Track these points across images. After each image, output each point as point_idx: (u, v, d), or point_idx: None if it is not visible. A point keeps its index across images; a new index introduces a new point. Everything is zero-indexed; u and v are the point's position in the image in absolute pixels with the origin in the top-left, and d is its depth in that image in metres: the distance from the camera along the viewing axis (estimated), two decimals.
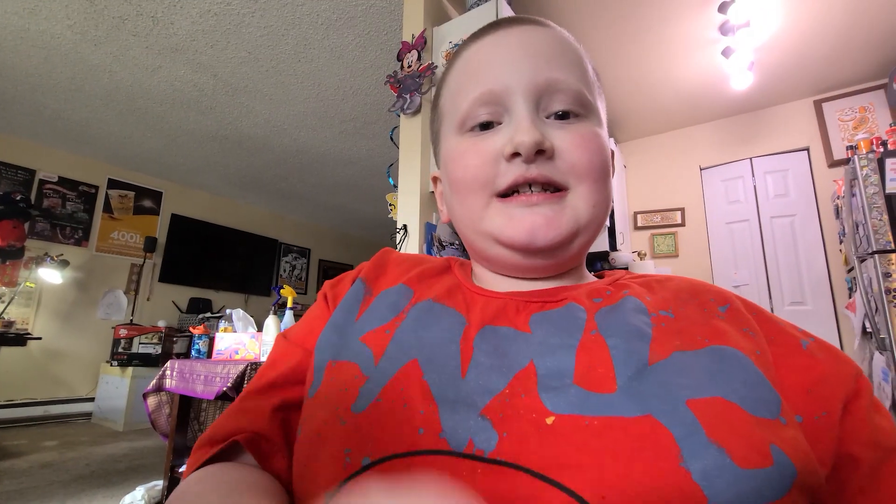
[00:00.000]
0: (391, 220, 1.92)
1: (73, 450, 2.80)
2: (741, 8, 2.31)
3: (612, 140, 3.63)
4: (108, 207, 4.30)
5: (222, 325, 2.07)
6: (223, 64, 2.78)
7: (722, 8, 2.33)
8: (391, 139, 1.92)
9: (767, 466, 0.22)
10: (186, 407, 1.81)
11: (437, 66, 1.78)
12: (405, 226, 1.74)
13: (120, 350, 3.70)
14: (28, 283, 3.65)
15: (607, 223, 2.97)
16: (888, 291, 1.96)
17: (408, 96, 1.80)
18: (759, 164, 3.39)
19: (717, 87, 3.09)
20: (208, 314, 4.22)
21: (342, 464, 0.26)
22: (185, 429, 1.81)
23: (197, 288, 4.94)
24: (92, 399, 3.89)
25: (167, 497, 1.70)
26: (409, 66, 1.83)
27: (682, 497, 0.21)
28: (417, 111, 1.80)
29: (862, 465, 0.27)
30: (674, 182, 3.70)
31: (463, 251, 1.60)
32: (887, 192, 2.05)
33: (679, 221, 3.63)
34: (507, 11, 1.72)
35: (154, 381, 1.82)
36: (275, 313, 1.81)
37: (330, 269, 6.58)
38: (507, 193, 0.35)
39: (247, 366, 1.50)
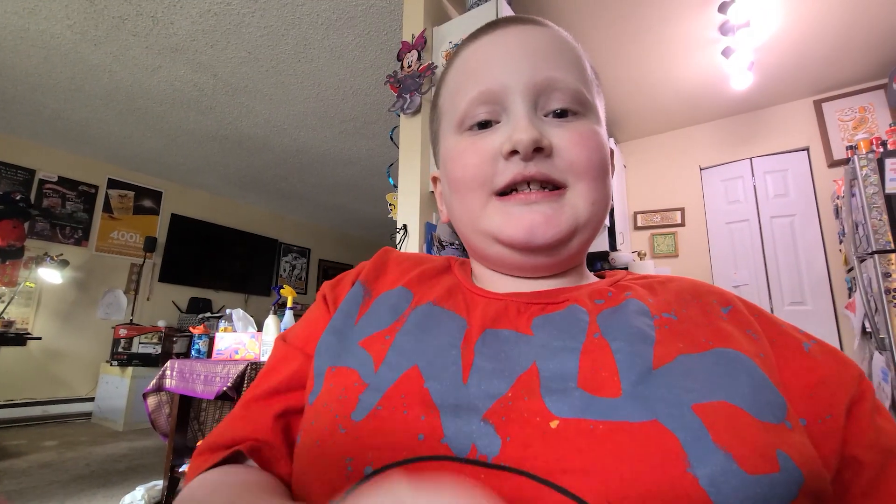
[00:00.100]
0: (391, 220, 1.92)
1: (72, 450, 2.80)
2: (741, 8, 2.31)
3: (611, 140, 3.62)
4: (107, 207, 4.30)
5: (222, 324, 2.07)
6: (223, 64, 2.78)
7: (722, 8, 2.32)
8: (391, 139, 1.92)
9: (774, 472, 0.22)
10: (186, 407, 1.81)
11: (437, 66, 1.78)
12: (405, 226, 1.74)
13: (120, 350, 3.70)
14: (28, 283, 3.65)
15: (607, 222, 2.98)
16: (888, 291, 1.96)
17: (408, 96, 1.80)
18: (759, 164, 3.39)
19: (717, 87, 3.09)
20: (208, 314, 4.22)
21: (344, 472, 0.26)
22: (185, 429, 1.81)
23: (197, 288, 4.94)
24: (92, 399, 3.89)
25: (168, 499, 1.71)
26: (409, 66, 1.83)
27: (690, 503, 0.21)
28: (417, 111, 1.80)
29: (866, 469, 0.27)
30: (674, 182, 3.70)
31: (463, 251, 1.60)
32: (887, 192, 2.05)
33: (679, 221, 3.63)
34: (507, 11, 1.72)
35: (154, 380, 1.82)
36: (275, 313, 1.81)
37: (330, 269, 6.58)
38: (505, 192, 0.35)
39: (247, 366, 1.50)
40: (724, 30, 2.49)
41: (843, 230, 2.59)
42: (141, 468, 2.44)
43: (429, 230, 1.72)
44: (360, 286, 0.40)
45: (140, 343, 3.80)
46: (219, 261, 5.16)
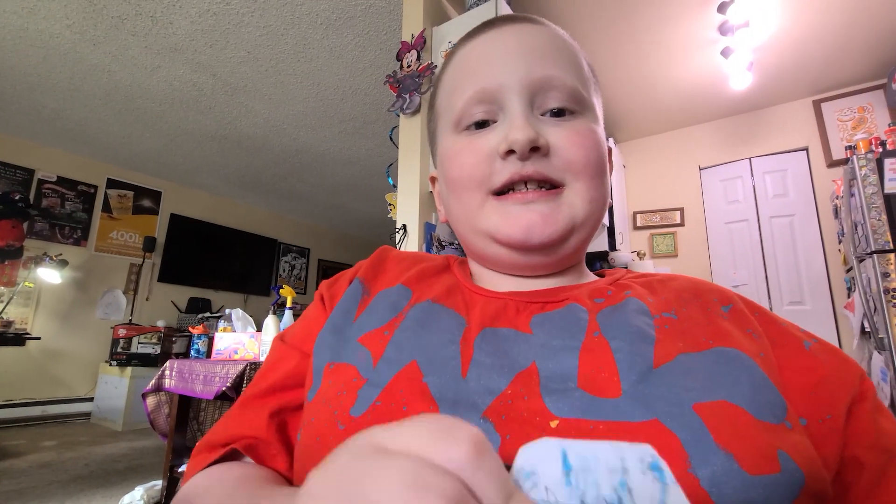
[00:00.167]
0: (390, 220, 1.92)
1: (71, 450, 2.79)
2: (740, 8, 2.32)
3: (611, 140, 3.62)
4: (107, 207, 4.29)
5: (221, 324, 2.07)
6: (222, 63, 2.78)
7: (721, 8, 2.33)
8: (390, 139, 1.92)
9: (776, 473, 0.22)
10: (185, 407, 1.81)
11: (436, 66, 1.78)
12: (404, 225, 1.74)
13: (119, 350, 3.70)
14: (27, 283, 3.65)
15: (606, 222, 2.98)
16: (887, 291, 1.96)
17: (407, 96, 1.80)
18: (759, 164, 3.39)
19: (717, 87, 3.09)
20: (207, 314, 4.22)
21: None
22: (185, 429, 1.81)
23: (196, 288, 4.93)
24: (91, 399, 3.88)
25: (167, 499, 1.70)
26: (409, 66, 1.83)
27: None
28: (417, 111, 1.80)
29: (867, 469, 0.26)
30: (673, 182, 3.71)
31: (462, 251, 1.60)
32: (886, 192, 2.05)
33: (678, 221, 3.63)
34: (506, 11, 1.72)
35: (153, 380, 1.81)
36: (274, 313, 1.81)
37: (329, 269, 6.58)
38: (502, 191, 0.35)
39: (246, 365, 1.50)
40: (723, 30, 2.49)
41: (842, 230, 2.59)
42: (140, 468, 2.44)
43: (428, 230, 1.72)
44: (359, 284, 0.40)
45: (139, 343, 3.80)
46: (218, 261, 5.16)
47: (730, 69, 2.78)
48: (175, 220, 4.79)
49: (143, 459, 2.62)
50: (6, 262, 3.50)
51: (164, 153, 4.09)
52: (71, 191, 4.07)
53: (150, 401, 1.85)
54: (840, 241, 2.82)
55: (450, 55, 0.41)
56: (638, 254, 3.44)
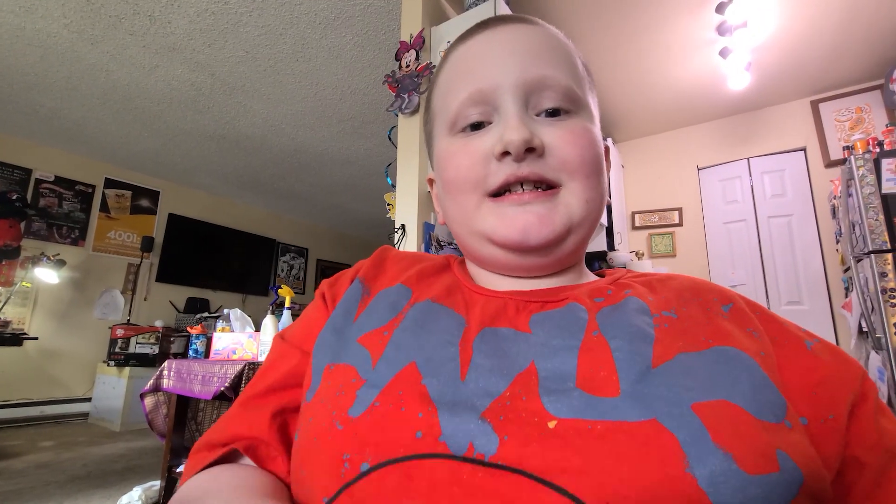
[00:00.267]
0: (389, 220, 1.92)
1: (69, 450, 2.79)
2: (738, 8, 2.32)
3: (609, 140, 3.63)
4: (104, 207, 4.28)
5: (220, 324, 2.07)
6: (221, 63, 2.77)
7: (719, 8, 2.33)
8: (389, 139, 1.92)
9: (774, 472, 0.22)
10: (184, 407, 1.80)
11: (435, 66, 1.78)
12: (403, 225, 1.73)
13: (117, 350, 3.69)
14: (24, 283, 3.64)
15: (604, 222, 2.98)
16: (884, 291, 1.96)
17: (406, 96, 1.80)
18: (757, 164, 3.40)
19: (715, 87, 3.09)
20: (206, 314, 4.21)
21: (340, 469, 0.25)
22: (183, 429, 1.80)
23: (194, 288, 4.93)
24: (89, 399, 3.87)
25: (165, 499, 1.70)
26: (408, 66, 1.83)
27: (688, 503, 0.21)
28: (416, 111, 1.80)
29: (868, 470, 0.26)
30: (671, 182, 3.71)
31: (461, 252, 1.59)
32: (883, 192, 2.06)
33: (677, 221, 3.64)
34: (505, 11, 1.72)
35: (151, 381, 1.81)
36: (272, 313, 1.81)
37: (328, 269, 6.57)
38: (499, 193, 0.35)
39: (244, 366, 1.50)
40: (721, 30, 2.50)
41: (840, 230, 2.60)
42: (138, 468, 2.43)
43: (427, 230, 1.72)
44: (359, 284, 0.40)
45: (137, 343, 3.79)
46: (216, 261, 5.15)
47: (728, 69, 2.79)
48: (173, 219, 4.78)
49: (141, 460, 2.62)
50: (3, 262, 3.49)
51: (162, 153, 4.08)
52: (68, 190, 4.06)
53: (149, 401, 1.85)
54: (838, 241, 2.83)
55: (444, 56, 0.41)
56: (636, 254, 3.45)
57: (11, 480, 2.19)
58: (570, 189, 0.35)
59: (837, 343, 2.94)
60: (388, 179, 2.00)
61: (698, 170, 3.63)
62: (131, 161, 4.28)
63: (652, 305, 0.32)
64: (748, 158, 3.43)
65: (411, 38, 1.85)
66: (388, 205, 1.96)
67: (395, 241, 1.72)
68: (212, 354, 1.85)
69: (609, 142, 3.45)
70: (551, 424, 0.24)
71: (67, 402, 3.83)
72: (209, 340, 1.95)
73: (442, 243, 1.70)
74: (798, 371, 0.29)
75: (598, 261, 2.91)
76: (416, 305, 0.35)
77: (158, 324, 4.06)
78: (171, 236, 4.73)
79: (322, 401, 0.30)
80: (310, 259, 6.39)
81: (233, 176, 4.63)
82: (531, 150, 0.34)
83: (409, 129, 1.84)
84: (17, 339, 3.12)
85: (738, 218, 3.41)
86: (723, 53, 2.64)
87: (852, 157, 2.16)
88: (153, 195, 4.66)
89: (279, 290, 1.89)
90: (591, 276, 0.41)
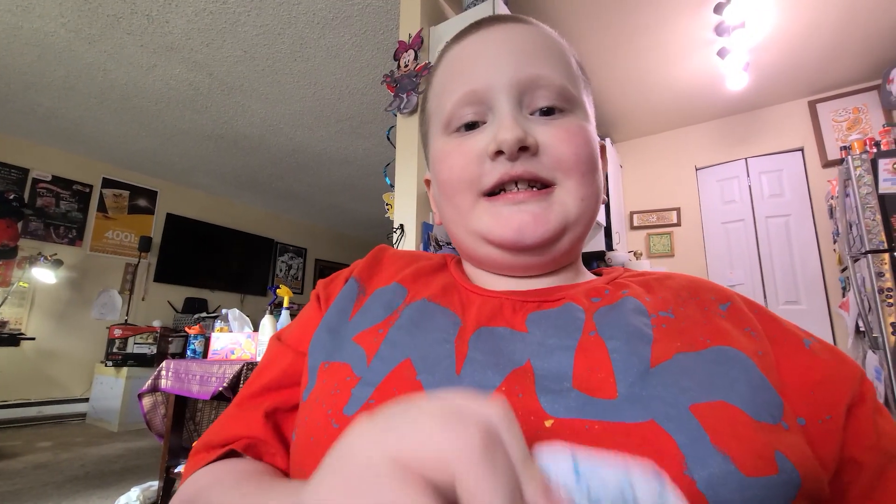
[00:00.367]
0: (388, 220, 1.92)
1: (67, 451, 2.78)
2: (736, 9, 2.32)
3: (607, 140, 3.63)
4: (102, 207, 4.27)
5: (218, 324, 2.06)
6: (219, 63, 2.77)
7: (717, 9, 2.33)
8: (388, 139, 1.92)
9: (773, 474, 0.22)
10: (182, 407, 1.80)
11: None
12: (402, 225, 1.73)
13: (115, 350, 3.68)
14: (21, 283, 3.62)
15: (602, 221, 2.99)
16: (881, 291, 1.97)
17: (404, 96, 1.80)
18: (754, 165, 3.40)
19: (713, 87, 3.10)
20: (204, 314, 4.21)
21: None
22: (181, 429, 1.80)
23: (192, 288, 4.91)
24: (86, 400, 3.86)
25: (164, 500, 1.70)
26: (406, 66, 1.83)
27: None
28: (414, 111, 1.80)
29: (865, 470, 0.26)
30: (670, 182, 3.72)
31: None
32: (880, 192, 2.06)
33: (675, 221, 3.65)
34: (503, 11, 1.72)
35: (149, 381, 1.81)
36: (271, 313, 1.81)
37: (326, 269, 6.56)
38: (493, 192, 0.35)
39: (243, 366, 1.50)
40: (719, 30, 2.50)
41: (837, 230, 2.60)
42: (136, 469, 2.43)
43: (425, 230, 1.72)
44: (355, 283, 0.40)
45: (135, 343, 3.78)
46: (215, 261, 5.13)
47: (726, 70, 2.79)
48: (171, 219, 4.77)
49: (140, 460, 2.61)
50: (0, 262, 3.48)
51: (159, 152, 4.07)
52: (66, 190, 4.04)
53: (147, 401, 1.84)
54: (835, 241, 2.84)
55: (439, 57, 0.41)
56: (634, 253, 3.45)
57: (9, 481, 2.18)
58: (565, 188, 0.34)
59: (835, 342, 2.95)
60: (387, 179, 2.00)
61: (696, 170, 3.63)
62: (129, 161, 4.27)
63: (649, 306, 0.32)
64: (746, 158, 3.43)
65: (410, 37, 1.85)
66: (387, 204, 1.96)
67: (394, 241, 1.72)
68: (210, 354, 1.84)
69: (606, 141, 3.46)
70: (548, 423, 0.24)
71: (65, 402, 3.82)
72: (207, 340, 1.95)
73: (441, 243, 1.70)
74: (796, 370, 0.28)
75: (596, 260, 2.91)
76: (411, 304, 0.35)
77: (156, 324, 4.05)
78: (168, 236, 4.72)
79: (318, 399, 0.30)
80: (308, 259, 6.38)
81: (231, 176, 4.63)
82: (525, 149, 0.33)
83: (407, 129, 1.84)
84: (14, 340, 3.12)
85: (736, 218, 3.42)
86: (721, 54, 2.65)
87: (849, 157, 2.17)
88: (151, 195, 4.65)
89: (277, 290, 1.88)
90: (588, 276, 0.41)
